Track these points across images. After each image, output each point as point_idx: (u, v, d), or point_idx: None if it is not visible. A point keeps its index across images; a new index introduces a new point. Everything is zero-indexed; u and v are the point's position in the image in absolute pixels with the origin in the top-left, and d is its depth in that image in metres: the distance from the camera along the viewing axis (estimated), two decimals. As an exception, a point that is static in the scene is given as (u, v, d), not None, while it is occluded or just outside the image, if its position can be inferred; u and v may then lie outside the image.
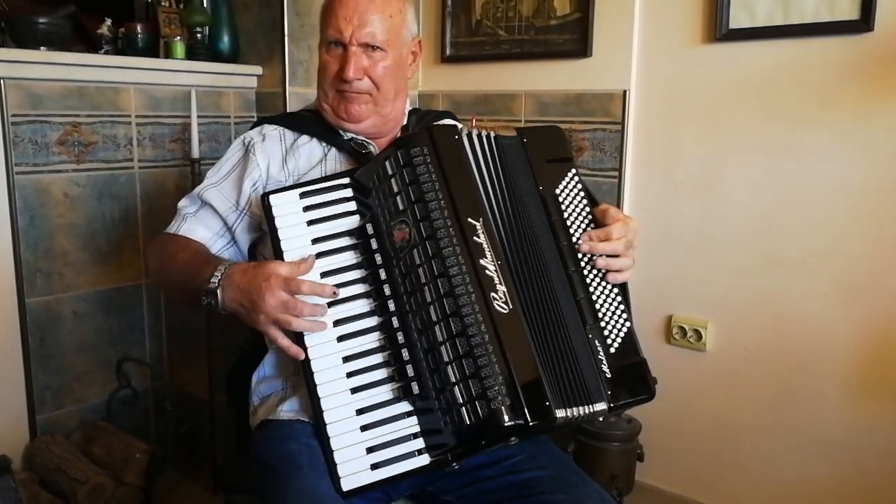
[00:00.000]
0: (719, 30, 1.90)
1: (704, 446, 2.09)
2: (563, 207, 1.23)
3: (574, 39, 2.14)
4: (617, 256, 1.21)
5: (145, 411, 2.28)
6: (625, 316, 1.20)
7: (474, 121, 2.24)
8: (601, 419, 1.17)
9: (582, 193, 1.26)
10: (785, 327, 1.92)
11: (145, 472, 1.95)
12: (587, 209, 1.25)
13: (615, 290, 1.21)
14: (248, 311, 1.14)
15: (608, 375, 1.13)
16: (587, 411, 1.10)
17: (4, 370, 1.94)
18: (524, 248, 1.17)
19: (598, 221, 1.24)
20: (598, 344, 1.15)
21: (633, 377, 1.16)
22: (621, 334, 1.18)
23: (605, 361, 1.14)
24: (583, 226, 1.23)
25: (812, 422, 1.91)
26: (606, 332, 1.17)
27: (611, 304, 1.20)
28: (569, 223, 1.22)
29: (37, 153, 1.94)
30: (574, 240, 1.21)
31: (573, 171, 1.27)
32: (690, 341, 2.07)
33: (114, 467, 1.93)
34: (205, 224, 1.36)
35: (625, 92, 2.08)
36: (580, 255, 1.21)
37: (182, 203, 1.40)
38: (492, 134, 1.24)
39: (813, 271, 1.86)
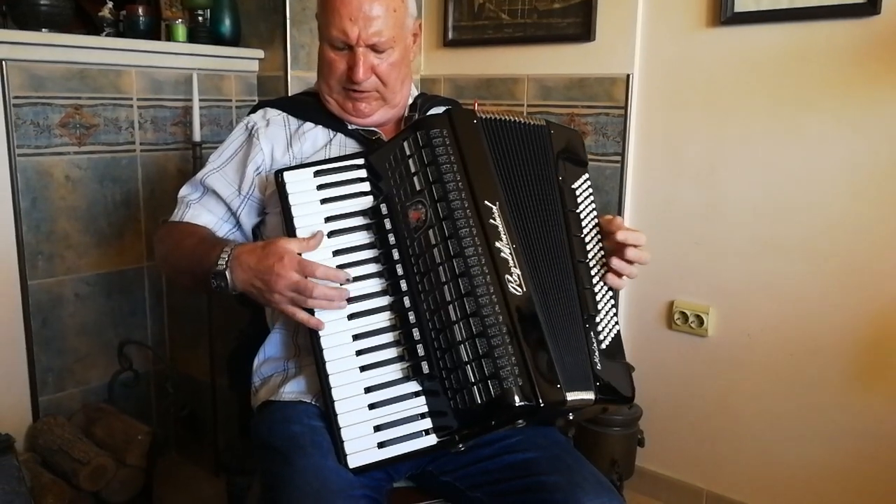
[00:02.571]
0: (724, 13, 1.89)
1: (705, 432, 2.10)
2: (578, 202, 1.24)
3: (577, 23, 2.13)
4: (630, 263, 1.22)
5: (147, 394, 2.29)
6: (616, 318, 1.21)
7: (476, 105, 2.23)
8: (572, 412, 1.16)
9: (592, 197, 1.28)
10: (787, 313, 1.92)
11: (147, 454, 1.96)
12: (595, 213, 1.26)
13: (610, 291, 1.23)
14: (261, 291, 1.13)
15: (598, 368, 1.13)
16: (576, 398, 1.09)
17: (7, 352, 1.94)
18: (536, 232, 1.17)
19: (603, 228, 1.25)
20: (592, 336, 1.15)
21: (618, 376, 1.16)
22: (612, 333, 1.19)
23: (596, 354, 1.14)
24: (591, 224, 1.25)
25: (813, 407, 1.91)
26: (600, 328, 1.18)
27: (606, 303, 1.21)
28: (581, 217, 1.24)
29: (38, 135, 1.93)
30: (583, 234, 1.22)
31: (587, 175, 1.29)
32: (692, 327, 2.08)
33: (116, 449, 1.93)
34: (209, 209, 1.36)
35: (628, 76, 2.07)
36: (588, 248, 1.21)
37: (183, 191, 1.39)
38: (517, 119, 1.24)
39: (815, 257, 1.86)
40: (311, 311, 1.13)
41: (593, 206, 1.27)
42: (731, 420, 2.05)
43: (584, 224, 1.23)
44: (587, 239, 1.22)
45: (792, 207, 1.89)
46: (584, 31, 2.11)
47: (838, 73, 1.78)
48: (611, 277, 1.22)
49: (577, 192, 1.25)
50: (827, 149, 1.82)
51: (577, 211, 1.23)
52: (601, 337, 1.17)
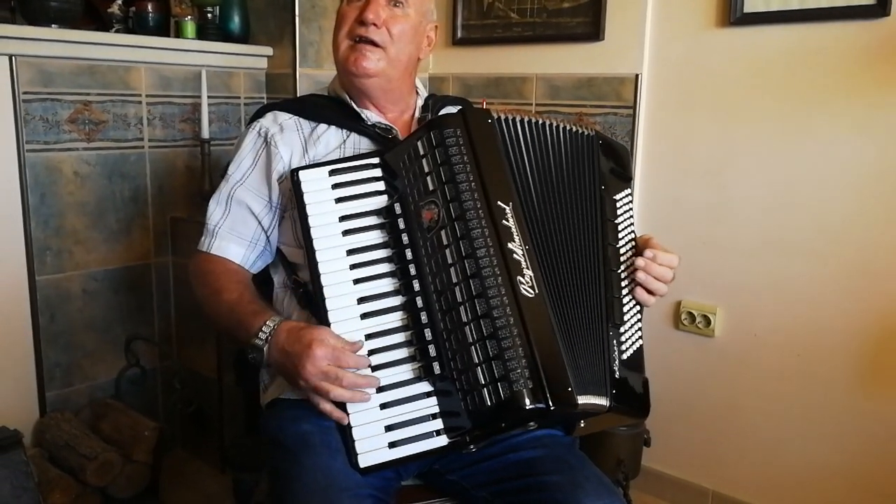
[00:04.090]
0: (734, 13, 1.88)
1: (711, 432, 2.10)
2: (618, 214, 1.24)
3: (586, 22, 2.13)
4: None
5: (154, 390, 2.29)
6: (640, 333, 1.21)
7: (484, 104, 2.23)
8: (584, 418, 1.17)
9: (633, 212, 1.27)
10: (794, 313, 1.92)
11: (153, 450, 1.96)
12: (633, 227, 1.26)
13: (638, 305, 1.22)
14: (290, 373, 1.12)
15: (616, 376, 1.13)
16: (588, 401, 1.09)
17: (15, 347, 1.95)
18: (561, 236, 1.17)
19: (638, 245, 1.25)
20: (615, 344, 1.15)
21: (635, 389, 1.16)
22: (634, 346, 1.18)
23: (616, 362, 1.14)
24: (628, 238, 1.25)
25: (820, 408, 1.91)
26: (623, 339, 1.17)
27: (633, 316, 1.21)
28: (619, 228, 1.24)
29: (48, 131, 1.94)
30: (619, 245, 1.22)
31: (630, 191, 1.29)
32: (699, 327, 2.07)
33: (122, 445, 1.94)
34: (238, 234, 1.33)
35: (637, 76, 2.07)
36: (623, 260, 1.21)
37: (210, 209, 1.35)
38: (559, 124, 1.23)
39: (822, 257, 1.86)
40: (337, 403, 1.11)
41: (632, 220, 1.27)
42: (737, 420, 2.05)
43: (620, 236, 1.23)
44: (622, 251, 1.22)
45: (800, 208, 1.88)
46: (593, 30, 2.11)
47: (847, 75, 1.78)
48: (639, 292, 1.21)
49: (618, 204, 1.25)
50: (835, 150, 1.82)
51: (616, 222, 1.23)
52: (623, 347, 1.16)
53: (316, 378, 1.08)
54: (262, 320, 1.16)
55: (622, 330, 1.17)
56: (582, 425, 1.20)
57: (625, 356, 1.16)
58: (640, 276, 1.20)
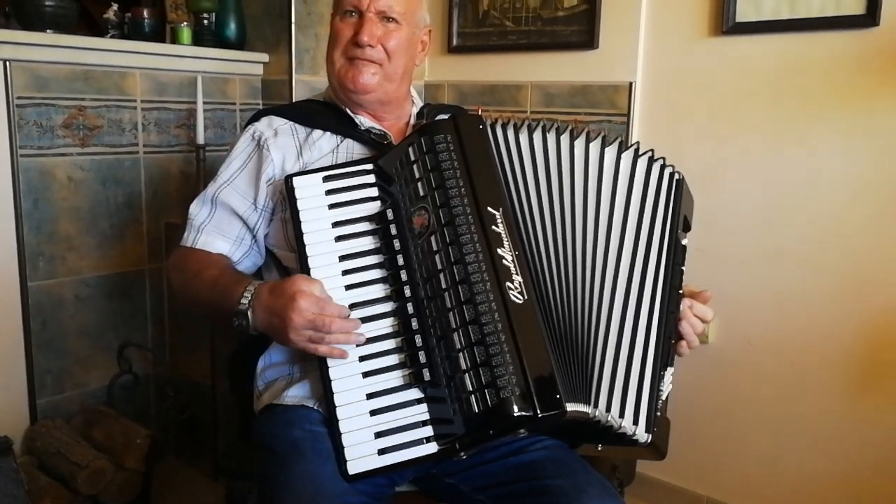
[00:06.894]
0: (726, 23, 1.90)
1: (705, 438, 2.10)
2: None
3: (581, 31, 2.14)
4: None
5: (146, 397, 2.28)
6: (671, 379, 1.20)
7: (480, 111, 2.23)
8: (602, 442, 1.19)
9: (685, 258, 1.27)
10: (787, 320, 1.92)
11: (146, 458, 1.95)
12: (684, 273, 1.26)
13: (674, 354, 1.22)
14: (278, 330, 1.11)
15: (658, 414, 1.13)
16: (578, 409, 1.07)
17: (6, 353, 1.94)
18: (564, 243, 1.16)
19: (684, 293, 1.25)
20: (660, 385, 1.15)
21: (661, 430, 1.15)
22: (666, 392, 1.18)
23: (661, 402, 1.14)
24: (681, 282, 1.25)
25: (814, 415, 1.91)
26: (665, 381, 1.17)
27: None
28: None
29: (42, 136, 1.94)
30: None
31: (687, 238, 1.29)
32: (693, 334, 2.07)
33: (114, 452, 1.93)
34: (222, 232, 1.33)
35: (631, 84, 2.08)
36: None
37: (193, 209, 1.36)
38: (589, 131, 1.23)
39: (816, 264, 1.87)
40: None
41: (685, 265, 1.27)
42: (731, 427, 2.05)
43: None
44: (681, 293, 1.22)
45: (792, 215, 1.89)
46: (587, 38, 2.12)
47: (838, 84, 1.79)
48: (682, 345, 1.22)
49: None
50: (827, 157, 1.82)
51: (682, 268, 1.23)
52: (664, 387, 1.16)
53: (304, 328, 1.08)
54: (244, 286, 1.16)
55: (664, 372, 1.16)
56: (599, 449, 1.19)
57: (664, 396, 1.16)
58: (683, 325, 1.21)
